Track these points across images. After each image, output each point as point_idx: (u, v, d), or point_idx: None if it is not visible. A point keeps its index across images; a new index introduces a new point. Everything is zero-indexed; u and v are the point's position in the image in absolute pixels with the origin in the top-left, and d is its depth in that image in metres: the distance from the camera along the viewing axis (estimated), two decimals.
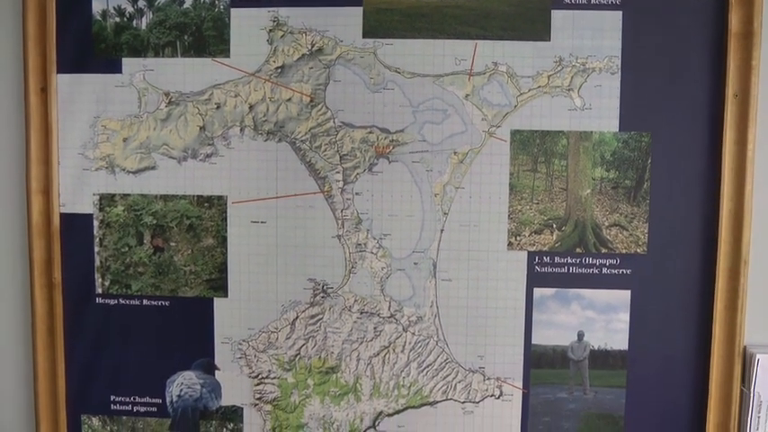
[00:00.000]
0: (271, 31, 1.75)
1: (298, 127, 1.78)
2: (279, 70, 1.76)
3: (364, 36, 1.74)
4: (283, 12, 1.74)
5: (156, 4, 1.74)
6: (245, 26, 1.75)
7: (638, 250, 1.79)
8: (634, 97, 1.75)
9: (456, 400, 1.82)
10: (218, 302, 1.79)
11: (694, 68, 1.72)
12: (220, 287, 1.79)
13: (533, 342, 1.85)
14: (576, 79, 1.75)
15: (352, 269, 1.78)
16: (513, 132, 1.79)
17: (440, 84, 1.76)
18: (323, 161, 1.77)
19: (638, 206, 1.80)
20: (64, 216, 1.76)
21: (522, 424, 1.83)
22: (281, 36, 1.75)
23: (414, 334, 1.82)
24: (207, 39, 1.75)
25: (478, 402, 1.83)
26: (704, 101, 1.74)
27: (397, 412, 1.84)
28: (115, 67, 1.75)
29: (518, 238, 1.77)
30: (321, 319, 1.81)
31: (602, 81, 1.75)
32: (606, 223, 1.79)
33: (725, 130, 1.73)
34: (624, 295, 1.85)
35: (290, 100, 1.77)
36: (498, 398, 1.84)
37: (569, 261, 1.91)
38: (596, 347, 1.89)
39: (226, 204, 1.77)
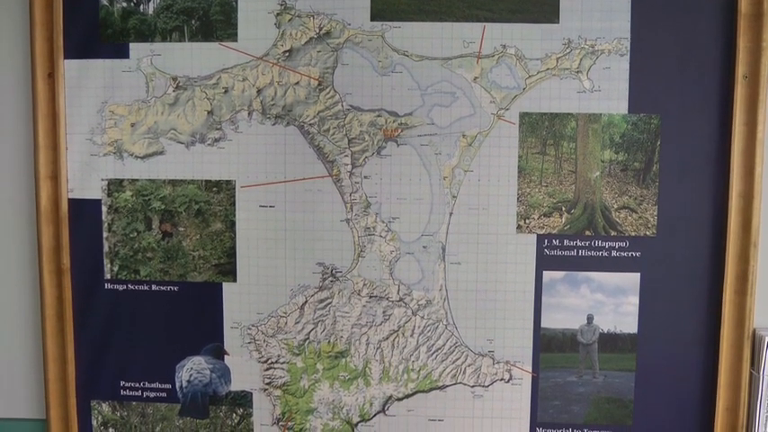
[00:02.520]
0: (278, 14, 1.74)
1: (306, 111, 1.77)
2: (287, 54, 1.76)
3: (372, 19, 1.74)
4: None
5: None
6: (253, 10, 1.74)
7: (648, 233, 1.79)
8: (643, 79, 1.75)
9: (465, 384, 1.82)
10: (227, 287, 1.79)
11: (704, 50, 1.72)
12: (229, 272, 1.79)
13: (543, 326, 1.84)
14: (585, 61, 1.75)
15: (361, 253, 1.78)
16: (522, 115, 1.78)
17: (448, 67, 1.76)
18: (331, 145, 1.77)
19: (647, 188, 1.80)
20: (72, 202, 1.76)
21: (531, 408, 1.82)
22: (289, 20, 1.75)
23: (423, 318, 1.81)
24: (214, 23, 1.74)
25: (488, 386, 1.83)
26: (714, 82, 1.73)
27: (407, 396, 1.84)
28: (122, 53, 1.75)
29: (527, 221, 1.77)
30: (330, 303, 1.80)
31: (611, 63, 1.74)
32: (615, 206, 1.78)
33: (734, 111, 1.72)
34: (634, 278, 1.85)
35: (298, 84, 1.76)
36: (508, 382, 1.83)
37: (578, 244, 1.90)
38: (606, 331, 1.88)
39: (234, 189, 1.77)
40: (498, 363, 1.81)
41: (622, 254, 1.85)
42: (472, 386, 1.81)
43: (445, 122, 1.76)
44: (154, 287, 1.78)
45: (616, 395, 1.84)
